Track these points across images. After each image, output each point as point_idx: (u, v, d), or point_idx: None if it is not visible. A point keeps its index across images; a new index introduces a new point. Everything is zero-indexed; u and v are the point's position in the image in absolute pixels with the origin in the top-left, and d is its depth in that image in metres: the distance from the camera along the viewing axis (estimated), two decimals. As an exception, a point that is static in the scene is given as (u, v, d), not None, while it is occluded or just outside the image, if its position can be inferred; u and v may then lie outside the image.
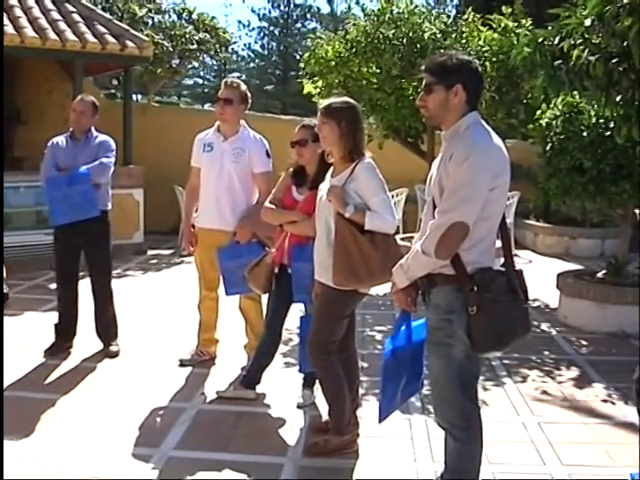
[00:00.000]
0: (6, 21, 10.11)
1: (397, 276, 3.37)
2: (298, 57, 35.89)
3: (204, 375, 5.67)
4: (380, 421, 3.63)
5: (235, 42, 18.73)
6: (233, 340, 6.10)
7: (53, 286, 7.17)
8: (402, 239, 7.76)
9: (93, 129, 6.02)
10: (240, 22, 39.02)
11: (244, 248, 5.40)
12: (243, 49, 38.60)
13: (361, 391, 4.84)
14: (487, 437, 3.46)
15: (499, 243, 3.41)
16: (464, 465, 3.41)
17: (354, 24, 9.01)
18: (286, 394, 5.21)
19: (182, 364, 5.85)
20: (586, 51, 5.22)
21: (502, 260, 3.35)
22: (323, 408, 4.69)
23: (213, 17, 16.59)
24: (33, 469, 4.10)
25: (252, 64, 39.91)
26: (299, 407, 5.00)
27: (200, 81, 38.91)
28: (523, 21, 8.59)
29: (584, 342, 6.80)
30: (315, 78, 9.24)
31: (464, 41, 8.66)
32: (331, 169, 4.23)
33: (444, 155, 3.25)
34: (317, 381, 4.67)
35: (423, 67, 3.37)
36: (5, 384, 5.39)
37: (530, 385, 5.59)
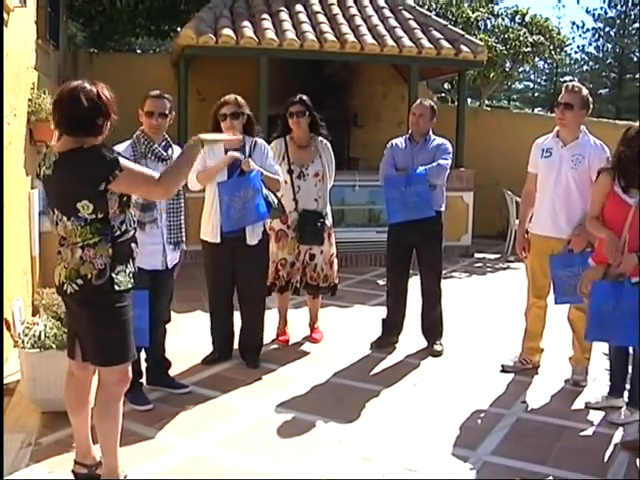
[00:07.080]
0: (347, 30, 10.70)
1: None
2: (635, 59, 34.03)
3: (526, 384, 5.58)
4: None
5: (569, 44, 18.09)
6: (558, 351, 5.94)
7: (381, 282, 7.47)
8: None
9: (431, 132, 6.18)
10: (574, 23, 37.91)
11: (577, 257, 5.23)
12: (576, 52, 37.37)
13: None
14: None
15: None
16: None
17: None
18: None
19: (504, 370, 5.82)
20: None
21: None
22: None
23: (547, 19, 16.21)
24: (347, 453, 4.30)
25: (585, 67, 38.45)
26: (613, 422, 4.77)
27: (530, 85, 38.31)
28: None
29: None
30: (658, 82, 8.70)
31: None
32: None
33: None
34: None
35: None
36: (333, 371, 5.77)
37: None
